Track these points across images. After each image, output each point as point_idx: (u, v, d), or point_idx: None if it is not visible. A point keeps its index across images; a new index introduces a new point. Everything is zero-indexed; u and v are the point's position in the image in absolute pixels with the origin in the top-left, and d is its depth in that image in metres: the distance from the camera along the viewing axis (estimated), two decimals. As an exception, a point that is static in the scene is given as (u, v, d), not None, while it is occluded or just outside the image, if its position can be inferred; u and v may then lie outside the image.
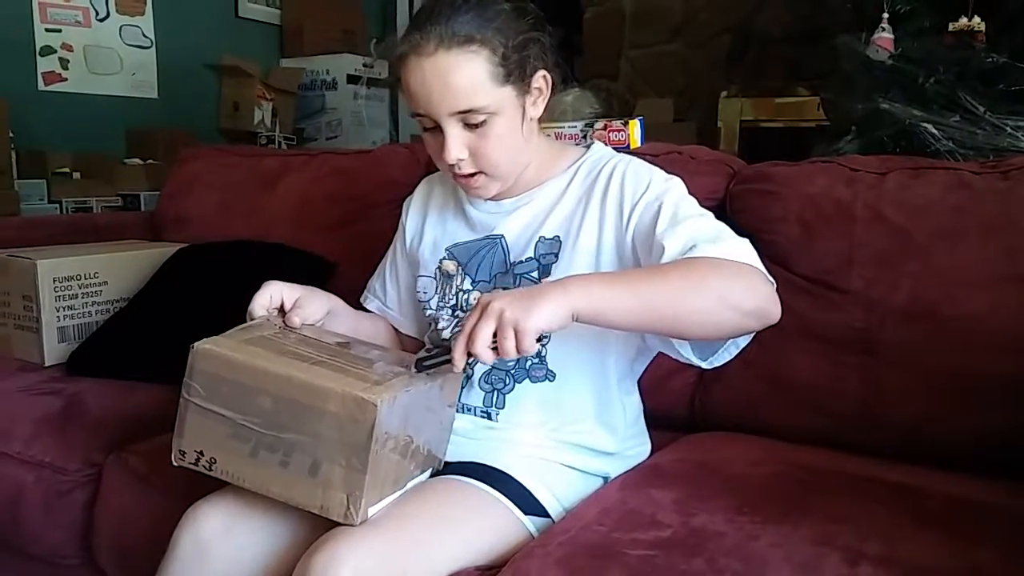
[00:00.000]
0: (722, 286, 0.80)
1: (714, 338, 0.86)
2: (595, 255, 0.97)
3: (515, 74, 0.91)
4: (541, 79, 0.96)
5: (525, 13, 0.94)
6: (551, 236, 0.99)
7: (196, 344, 0.83)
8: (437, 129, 0.93)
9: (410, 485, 0.87)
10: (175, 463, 0.85)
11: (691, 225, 0.87)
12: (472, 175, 0.95)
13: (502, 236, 1.02)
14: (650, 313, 0.79)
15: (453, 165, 0.94)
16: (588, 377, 0.99)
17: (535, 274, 0.98)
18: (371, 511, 0.80)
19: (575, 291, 0.77)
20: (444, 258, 1.05)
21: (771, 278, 0.86)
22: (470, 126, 0.91)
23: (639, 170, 0.98)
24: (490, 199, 1.03)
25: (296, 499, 0.80)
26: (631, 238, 0.94)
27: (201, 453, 0.83)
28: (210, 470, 0.83)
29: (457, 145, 0.92)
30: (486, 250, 1.02)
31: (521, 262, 0.99)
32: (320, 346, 0.89)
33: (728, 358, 0.88)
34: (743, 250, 0.86)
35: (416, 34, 0.89)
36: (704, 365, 0.89)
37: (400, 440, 0.82)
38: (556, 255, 0.98)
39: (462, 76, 0.88)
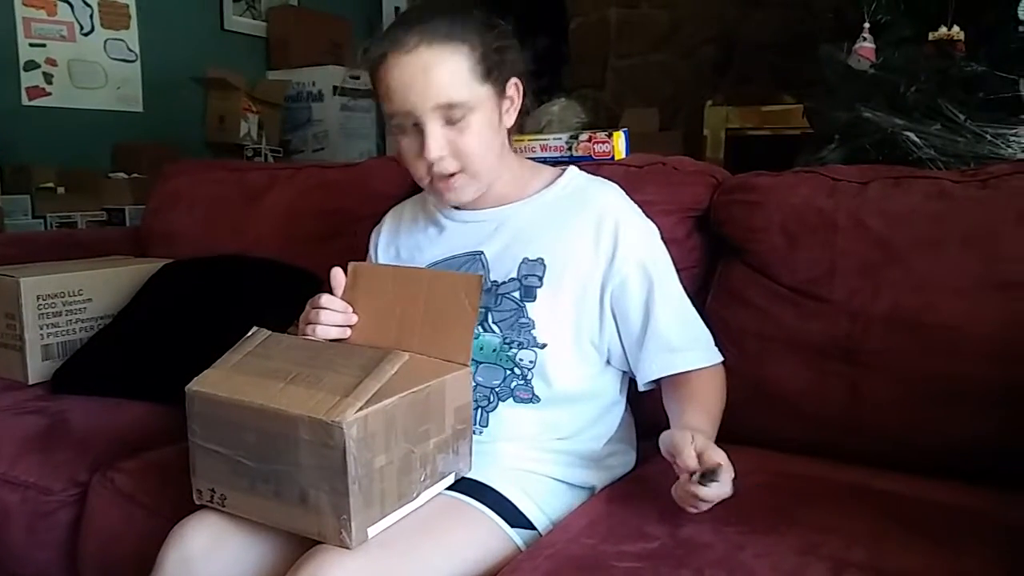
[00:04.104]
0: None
1: None
2: (581, 290, 0.98)
3: (493, 73, 0.94)
4: (513, 87, 0.98)
5: (494, 26, 0.96)
6: (535, 258, 0.99)
7: (188, 387, 0.84)
8: (415, 131, 0.94)
9: (426, 495, 0.86)
10: (196, 501, 0.87)
11: (680, 325, 1.00)
12: (450, 176, 0.96)
13: (482, 253, 1.02)
14: None
15: (432, 165, 0.94)
16: (573, 399, 1.00)
17: (517, 295, 0.98)
18: (373, 530, 0.79)
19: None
20: None
21: (717, 351, 1.02)
22: (450, 123, 0.93)
23: (637, 229, 1.01)
24: (465, 208, 1.03)
25: (298, 528, 0.80)
26: (610, 296, 0.99)
27: (213, 491, 0.85)
28: (224, 506, 0.85)
29: (438, 141, 0.93)
30: (467, 267, 1.02)
31: (504, 282, 0.99)
32: (307, 349, 0.89)
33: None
34: (715, 351, 1.02)
35: (396, 31, 0.92)
36: (641, 388, 1.02)
37: (394, 452, 0.80)
38: (540, 278, 0.98)
39: (444, 69, 0.91)
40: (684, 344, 0.99)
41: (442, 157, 0.94)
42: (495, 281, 0.99)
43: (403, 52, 0.90)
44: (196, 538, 0.86)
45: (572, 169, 1.07)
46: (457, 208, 1.05)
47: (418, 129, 0.93)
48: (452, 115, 0.92)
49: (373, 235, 1.16)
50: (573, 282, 0.98)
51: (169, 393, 1.04)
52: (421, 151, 0.93)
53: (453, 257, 1.03)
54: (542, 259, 0.98)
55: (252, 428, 0.80)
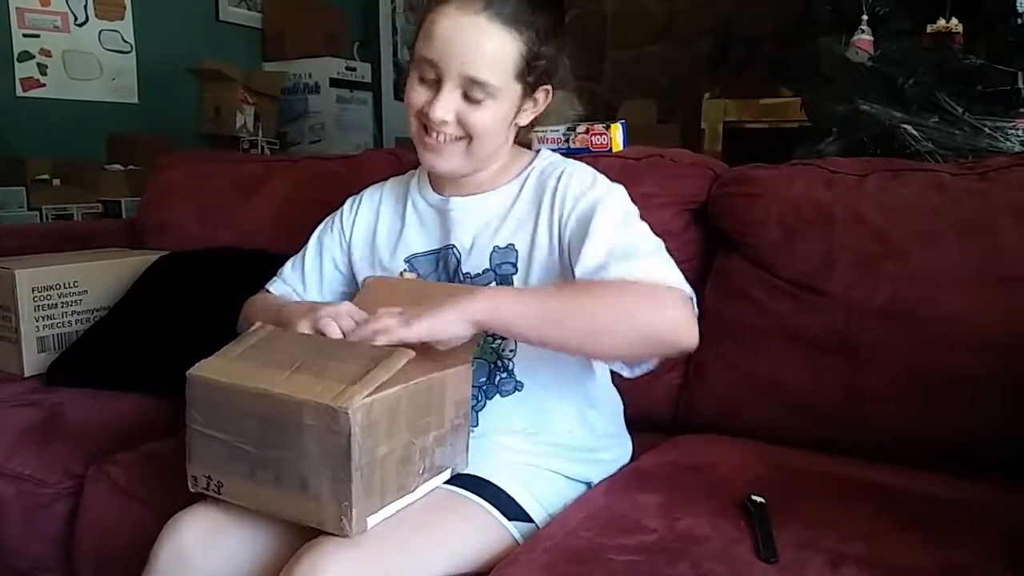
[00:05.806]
0: (628, 308, 0.83)
1: (624, 359, 0.90)
2: (554, 265, 0.97)
3: (531, 77, 0.94)
4: (543, 92, 0.98)
5: (557, 35, 0.95)
6: (505, 245, 0.98)
7: (189, 371, 0.83)
8: (431, 84, 0.93)
9: (424, 489, 0.85)
10: (191, 489, 0.86)
11: (612, 239, 0.89)
12: (448, 140, 0.94)
13: (452, 246, 1.01)
14: (557, 329, 0.83)
15: (431, 121, 0.92)
16: (558, 383, 0.99)
17: (493, 285, 0.97)
18: (372, 520, 0.79)
19: (480, 302, 0.81)
20: (405, 269, 1.04)
21: (691, 300, 0.87)
22: (467, 98, 0.92)
23: (583, 177, 0.98)
24: (444, 193, 1.02)
25: (296, 516, 0.80)
26: (567, 244, 0.94)
27: (210, 478, 0.84)
28: (219, 494, 0.84)
29: (447, 106, 0.91)
30: (442, 261, 1.02)
31: (478, 275, 0.98)
32: (312, 343, 0.88)
33: (650, 367, 0.91)
34: (661, 269, 0.88)
35: None
36: (626, 374, 0.93)
37: (396, 442, 0.80)
38: (513, 264, 0.97)
39: (492, 48, 0.90)
40: (634, 254, 0.88)
41: (446, 122, 0.92)
42: (467, 274, 0.98)
43: (464, 11, 0.89)
44: (191, 531, 0.86)
45: (544, 151, 1.06)
46: (436, 191, 1.03)
47: (435, 83, 0.92)
48: (474, 93, 0.91)
49: (348, 203, 1.13)
50: (542, 263, 0.97)
51: (165, 385, 1.04)
52: (427, 106, 0.92)
53: (430, 252, 1.02)
54: (512, 245, 0.97)
55: (255, 414, 0.79)
